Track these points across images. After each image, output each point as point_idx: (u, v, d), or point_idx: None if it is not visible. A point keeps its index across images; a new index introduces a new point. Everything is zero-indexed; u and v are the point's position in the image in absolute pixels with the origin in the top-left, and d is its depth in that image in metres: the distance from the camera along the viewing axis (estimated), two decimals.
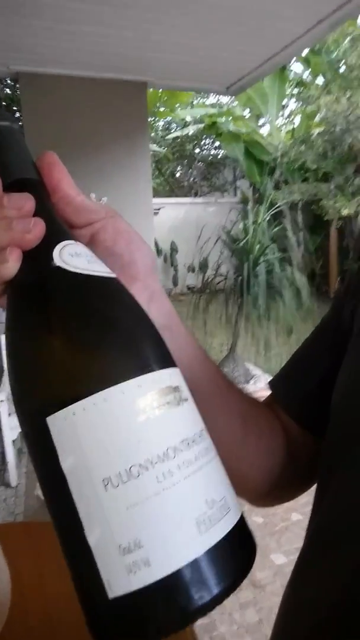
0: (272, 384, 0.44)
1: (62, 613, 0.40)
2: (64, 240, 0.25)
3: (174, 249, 8.03)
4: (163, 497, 0.20)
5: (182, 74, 2.68)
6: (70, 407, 0.20)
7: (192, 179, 11.19)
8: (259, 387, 3.18)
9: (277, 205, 3.70)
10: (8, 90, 6.84)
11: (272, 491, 0.41)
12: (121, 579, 0.19)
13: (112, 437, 0.20)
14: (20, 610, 0.34)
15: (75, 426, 0.20)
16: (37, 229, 0.24)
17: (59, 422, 0.20)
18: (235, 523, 0.22)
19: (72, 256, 0.24)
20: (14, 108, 6.74)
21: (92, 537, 0.20)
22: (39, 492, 1.11)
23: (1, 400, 2.24)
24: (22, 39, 2.09)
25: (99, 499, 0.20)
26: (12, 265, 0.24)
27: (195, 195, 10.10)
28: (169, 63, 2.48)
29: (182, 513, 0.20)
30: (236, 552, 0.22)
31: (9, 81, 5.28)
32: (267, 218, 3.28)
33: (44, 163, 0.27)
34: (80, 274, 0.23)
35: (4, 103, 5.17)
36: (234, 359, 3.31)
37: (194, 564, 0.20)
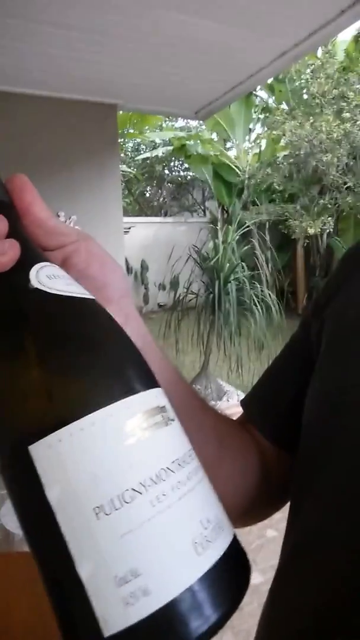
0: (244, 403, 0.44)
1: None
2: (39, 262, 0.24)
3: (144, 267, 8.07)
4: (159, 520, 0.19)
5: (152, 98, 2.75)
6: (54, 433, 0.19)
7: (161, 199, 11.37)
8: (232, 403, 3.19)
9: (245, 225, 3.80)
10: None
11: (247, 511, 0.41)
12: (118, 613, 0.18)
13: (102, 462, 0.19)
14: None
15: (62, 453, 0.19)
16: (12, 251, 0.23)
17: (43, 451, 0.19)
18: (230, 542, 0.21)
19: (49, 278, 0.23)
20: None
21: (84, 570, 0.18)
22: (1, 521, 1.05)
23: None
24: None
25: (90, 529, 0.18)
26: None
27: (165, 215, 10.25)
28: (139, 87, 2.54)
29: (179, 535, 0.19)
30: (234, 571, 0.21)
31: None
32: (237, 237, 3.36)
33: (15, 185, 0.27)
34: (59, 295, 0.23)
35: None
36: (207, 376, 3.31)
37: (195, 587, 0.19)
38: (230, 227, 3.31)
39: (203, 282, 3.32)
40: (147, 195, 11.69)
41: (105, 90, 2.56)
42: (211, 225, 6.84)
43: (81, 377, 0.21)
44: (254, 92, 6.96)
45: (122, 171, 9.82)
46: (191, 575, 0.19)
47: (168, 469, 0.20)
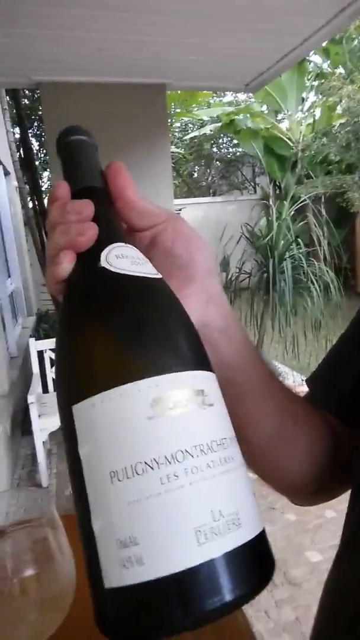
0: (310, 382, 0.44)
1: None
2: (115, 242, 0.26)
3: None
4: (164, 499, 0.20)
5: (201, 74, 2.69)
6: (90, 398, 0.21)
7: (210, 178, 11.16)
8: (287, 385, 3.14)
9: (300, 200, 3.65)
10: (26, 101, 7.01)
11: (318, 490, 0.41)
12: (115, 572, 0.20)
13: (123, 432, 0.21)
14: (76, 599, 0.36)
15: (93, 417, 0.21)
16: (89, 233, 0.25)
17: (80, 412, 0.22)
18: (245, 542, 0.20)
19: (117, 258, 0.25)
20: (32, 117, 6.90)
21: (96, 525, 0.20)
22: (69, 492, 1.13)
23: (31, 402, 2.29)
24: (41, 49, 2.15)
25: (105, 490, 0.20)
26: (65, 266, 0.25)
27: (214, 194, 10.07)
28: (187, 64, 2.49)
29: (182, 519, 0.20)
30: (240, 574, 0.20)
31: (27, 92, 5.41)
32: (291, 213, 3.23)
33: (110, 171, 0.29)
34: (119, 274, 0.24)
35: (24, 113, 5.31)
36: None
37: (187, 574, 0.19)
38: (284, 202, 3.19)
39: (256, 261, 3.25)
40: (195, 175, 11.53)
41: (153, 71, 2.54)
42: (263, 202, 6.62)
43: (118, 350, 0.23)
44: (307, 58, 6.52)
45: (170, 152, 9.74)
46: (185, 562, 0.19)
47: (186, 451, 0.20)
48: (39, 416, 2.34)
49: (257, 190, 9.50)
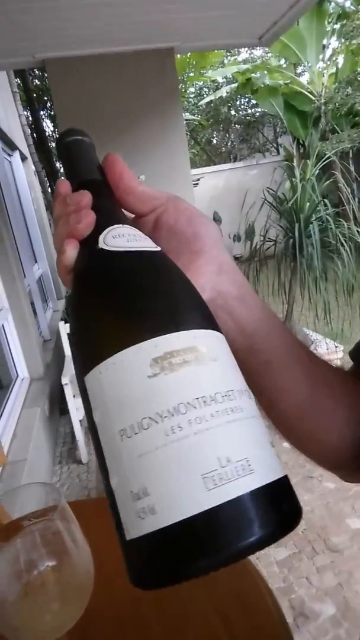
0: (352, 355, 0.42)
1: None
2: (112, 224, 0.28)
3: (217, 219, 7.86)
4: (170, 449, 0.21)
5: (209, 32, 2.53)
6: (97, 367, 0.23)
7: (229, 143, 10.76)
8: (321, 352, 3.07)
9: (325, 157, 3.44)
10: (37, 81, 6.92)
11: None
12: (134, 523, 0.21)
13: (127, 392, 0.22)
14: (97, 586, 0.35)
15: (101, 383, 0.23)
16: (87, 219, 0.27)
17: (90, 380, 0.24)
18: (259, 486, 0.21)
19: (114, 238, 0.27)
20: (45, 98, 6.82)
21: (114, 482, 0.22)
22: None
23: (65, 384, 2.37)
24: (43, 26, 2.07)
25: (117, 448, 0.22)
26: (70, 253, 0.27)
27: (235, 159, 9.73)
28: (194, 23, 2.34)
29: (188, 467, 0.20)
30: (255, 516, 0.20)
31: (37, 72, 5.33)
32: (316, 172, 3.06)
33: (106, 162, 0.31)
34: (115, 251, 0.26)
35: (34, 94, 5.25)
36: (291, 327, 3.21)
37: (198, 519, 0.19)
38: (308, 161, 3.02)
39: (281, 227, 3.13)
40: (214, 141, 11.16)
41: (160, 35, 2.41)
42: (286, 162, 6.33)
43: (117, 319, 0.24)
44: None
45: (186, 119, 9.44)
46: (194, 507, 0.20)
47: (188, 404, 0.21)
48: (74, 396, 2.41)
49: (280, 152, 9.10)
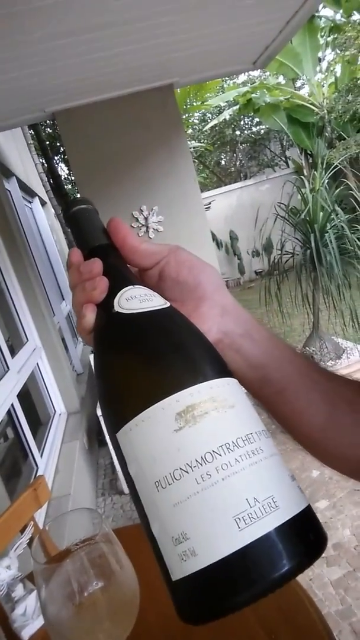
0: None
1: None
2: (124, 287, 0.31)
3: (233, 238, 7.92)
4: (202, 496, 0.23)
5: (206, 64, 2.65)
6: (127, 424, 0.25)
7: (237, 162, 10.93)
8: (353, 360, 3.00)
9: (334, 165, 3.46)
10: (49, 130, 7.33)
11: None
12: (177, 565, 0.23)
13: (157, 446, 0.24)
14: (142, 609, 0.38)
15: (132, 440, 0.25)
16: (101, 286, 0.30)
17: (122, 437, 0.26)
18: (285, 520, 0.23)
19: (127, 300, 0.30)
20: (57, 144, 7.18)
21: (155, 528, 0.24)
22: None
23: (101, 415, 2.40)
24: (50, 83, 2.24)
25: (154, 498, 0.24)
26: (89, 318, 0.30)
27: (245, 177, 9.85)
28: (189, 59, 2.47)
29: (221, 511, 0.22)
30: (285, 548, 0.22)
31: (48, 121, 5.66)
32: (326, 181, 3.07)
33: (111, 227, 0.34)
34: (130, 314, 0.29)
35: (47, 142, 5.56)
36: (319, 337, 3.16)
37: (234, 557, 0.21)
38: (315, 173, 3.05)
39: (297, 239, 3.14)
40: (223, 163, 11.36)
41: (159, 73, 2.55)
42: (295, 175, 6.37)
43: (140, 379, 0.27)
44: (316, 14, 6.16)
45: (193, 147, 9.69)
46: (230, 546, 0.22)
47: (214, 452, 0.23)
48: None
49: (289, 164, 9.16)
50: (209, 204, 7.42)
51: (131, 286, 0.31)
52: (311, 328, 3.22)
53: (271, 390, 0.34)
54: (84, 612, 0.35)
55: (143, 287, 0.31)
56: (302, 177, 3.50)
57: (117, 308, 0.29)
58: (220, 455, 0.23)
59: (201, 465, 0.23)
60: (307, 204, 2.99)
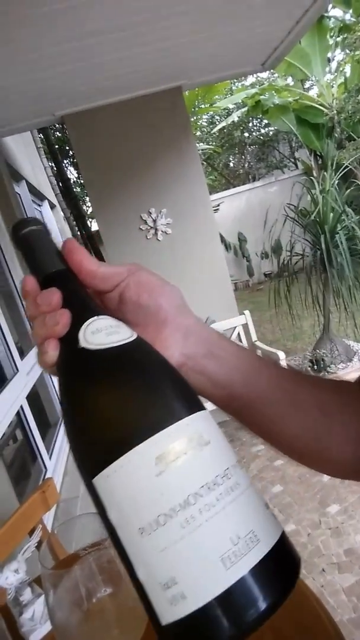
0: None
1: None
2: (88, 318, 0.29)
3: (242, 240, 7.90)
4: (189, 540, 0.22)
5: (214, 66, 2.65)
6: (103, 471, 0.24)
7: (246, 164, 10.92)
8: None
9: (344, 166, 3.43)
10: (58, 134, 7.40)
11: None
12: (167, 610, 0.23)
13: (138, 492, 0.23)
14: None
15: (111, 487, 0.24)
16: (62, 320, 0.28)
17: (100, 484, 0.24)
18: (267, 552, 0.23)
19: (93, 334, 0.28)
20: (66, 147, 7.24)
21: (141, 575, 0.23)
22: None
23: None
24: (59, 87, 2.26)
25: (138, 545, 0.23)
26: (52, 354, 0.28)
27: (254, 179, 9.82)
28: (197, 61, 2.47)
29: (207, 552, 0.22)
30: (269, 579, 0.23)
31: (57, 125, 5.72)
32: (336, 182, 3.05)
33: (66, 251, 0.31)
34: (97, 350, 0.27)
35: (56, 146, 5.61)
36: (330, 339, 3.13)
37: (225, 596, 0.22)
38: (325, 173, 3.02)
39: (307, 240, 3.11)
40: (231, 165, 11.35)
41: (167, 76, 2.55)
42: (305, 176, 6.33)
43: (113, 424, 0.25)
44: (325, 14, 6.13)
45: (201, 149, 9.70)
46: (219, 587, 0.22)
47: (196, 494, 0.23)
48: None
49: (298, 166, 9.12)
50: (218, 206, 7.41)
51: (95, 317, 0.29)
52: (321, 330, 3.19)
53: (238, 406, 0.34)
54: (92, 619, 0.34)
55: (107, 316, 0.29)
56: (311, 178, 3.48)
57: (83, 343, 0.27)
58: (202, 496, 0.23)
59: (185, 508, 0.23)
60: (317, 205, 2.96)
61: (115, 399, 0.26)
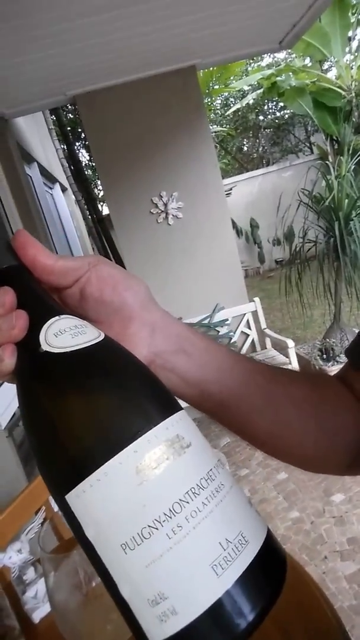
0: (348, 352, 0.42)
1: None
2: (49, 319, 0.26)
3: (254, 226, 7.79)
4: (176, 551, 0.21)
5: (229, 44, 2.57)
6: (79, 486, 0.22)
7: (260, 148, 10.71)
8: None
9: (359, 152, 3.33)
10: (70, 115, 7.31)
11: (352, 465, 0.39)
12: (156, 628, 0.21)
13: (119, 505, 0.21)
14: None
15: (88, 502, 0.22)
16: (20, 323, 0.25)
17: (74, 500, 0.22)
18: (256, 552, 0.22)
19: (56, 336, 0.25)
20: (79, 130, 7.16)
21: (125, 593, 0.22)
22: None
23: None
24: (71, 65, 2.21)
25: (121, 562, 0.21)
26: (8, 362, 0.25)
27: (267, 164, 9.64)
28: (212, 39, 2.39)
29: (197, 561, 0.21)
30: (262, 579, 0.22)
31: (69, 106, 5.64)
32: (352, 167, 2.96)
33: (17, 244, 0.28)
34: (63, 353, 0.24)
35: (68, 128, 5.55)
36: (340, 328, 3.09)
37: (218, 605, 0.20)
38: (342, 158, 2.94)
39: (320, 227, 3.05)
40: (245, 149, 11.14)
41: (181, 54, 2.48)
42: (320, 161, 6.18)
43: (87, 434, 0.23)
44: None
45: (214, 131, 9.52)
46: (212, 596, 0.20)
47: (181, 500, 0.21)
48: None
49: (313, 150, 8.91)
50: (230, 190, 7.30)
51: (57, 317, 0.26)
52: (332, 319, 3.15)
53: (211, 403, 0.33)
54: (92, 602, 0.34)
55: (69, 316, 0.27)
56: (327, 163, 3.39)
57: (45, 347, 0.24)
58: (187, 502, 0.21)
59: (170, 518, 0.21)
60: (332, 191, 2.89)
61: (87, 407, 0.24)
